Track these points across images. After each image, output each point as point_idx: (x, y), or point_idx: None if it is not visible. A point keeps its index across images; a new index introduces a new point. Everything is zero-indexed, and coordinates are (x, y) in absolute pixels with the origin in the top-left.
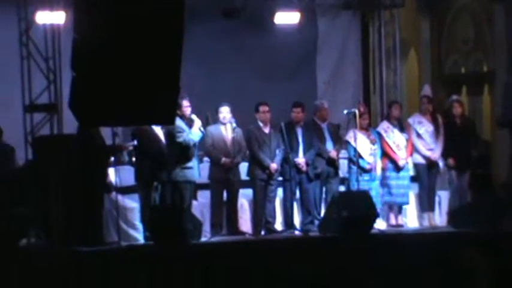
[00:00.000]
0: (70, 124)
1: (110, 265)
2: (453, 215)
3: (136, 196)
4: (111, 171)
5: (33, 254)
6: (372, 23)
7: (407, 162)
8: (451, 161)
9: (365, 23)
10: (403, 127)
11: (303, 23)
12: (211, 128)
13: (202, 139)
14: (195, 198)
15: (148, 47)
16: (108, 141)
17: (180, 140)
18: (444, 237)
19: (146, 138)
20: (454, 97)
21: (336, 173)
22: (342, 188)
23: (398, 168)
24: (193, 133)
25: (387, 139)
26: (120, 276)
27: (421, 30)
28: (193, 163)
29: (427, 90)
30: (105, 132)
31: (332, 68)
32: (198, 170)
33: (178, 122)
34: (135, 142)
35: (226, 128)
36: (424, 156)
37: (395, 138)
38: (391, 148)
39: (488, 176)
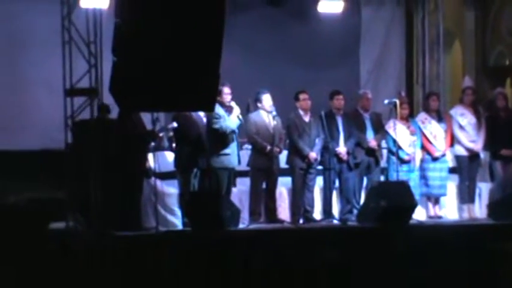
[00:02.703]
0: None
1: (147, 250)
2: (493, 207)
3: (175, 182)
4: (150, 157)
5: (72, 237)
6: (416, 13)
7: (444, 154)
8: (506, 152)
9: (409, 12)
10: (441, 118)
11: (347, 12)
12: (254, 116)
13: (242, 126)
14: (234, 185)
15: (190, 33)
16: (149, 127)
17: (216, 126)
18: (483, 229)
19: (186, 123)
20: (499, 89)
21: (377, 163)
22: (382, 178)
23: (434, 159)
24: (231, 120)
25: (424, 130)
26: (158, 261)
27: (465, 20)
28: (231, 150)
29: (468, 81)
30: (146, 117)
31: (375, 58)
32: (237, 157)
33: (217, 109)
34: (175, 124)
35: (268, 115)
36: (466, 148)
37: (432, 129)
38: (427, 139)
39: None
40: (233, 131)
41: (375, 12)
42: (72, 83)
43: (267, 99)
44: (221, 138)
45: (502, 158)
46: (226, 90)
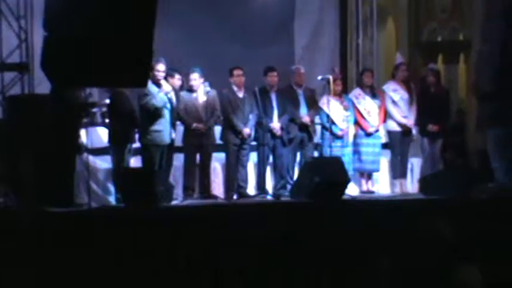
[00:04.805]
0: (42, 84)
1: (79, 227)
2: (424, 182)
3: (107, 158)
4: (82, 133)
5: (2, 213)
6: None
7: (378, 130)
8: (432, 127)
9: None
10: (375, 94)
11: None
12: (183, 93)
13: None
14: (170, 161)
15: (123, 8)
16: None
17: (142, 102)
18: (414, 204)
19: (120, 99)
20: (431, 65)
21: (311, 139)
22: (316, 154)
23: (368, 135)
24: (158, 98)
25: (358, 105)
26: (90, 238)
27: None
28: (163, 126)
29: (400, 58)
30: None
31: (309, 34)
32: (169, 133)
33: (149, 85)
34: (107, 101)
35: (198, 92)
36: (399, 124)
37: (366, 105)
38: (361, 115)
39: (462, 144)
40: (161, 108)
41: None
42: (2, 58)
43: (193, 77)
44: (150, 115)
45: (429, 134)
46: (160, 67)
